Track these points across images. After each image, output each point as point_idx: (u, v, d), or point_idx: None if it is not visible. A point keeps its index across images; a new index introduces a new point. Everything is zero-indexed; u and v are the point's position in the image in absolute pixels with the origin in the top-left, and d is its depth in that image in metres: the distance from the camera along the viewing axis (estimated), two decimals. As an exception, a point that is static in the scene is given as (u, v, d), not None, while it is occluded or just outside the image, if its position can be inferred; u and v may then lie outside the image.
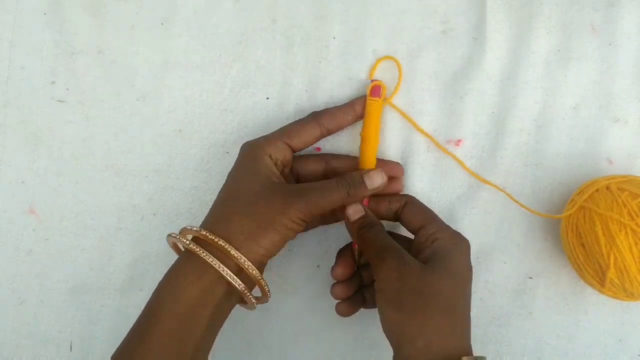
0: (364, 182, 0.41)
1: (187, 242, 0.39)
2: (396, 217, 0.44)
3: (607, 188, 0.42)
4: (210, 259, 0.38)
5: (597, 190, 0.42)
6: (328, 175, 0.45)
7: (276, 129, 0.44)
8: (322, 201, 0.40)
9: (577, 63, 0.47)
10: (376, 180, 0.42)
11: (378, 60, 0.47)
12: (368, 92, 0.45)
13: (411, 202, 0.44)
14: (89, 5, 0.48)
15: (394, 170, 0.46)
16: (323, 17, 0.48)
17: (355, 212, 0.42)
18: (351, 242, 0.45)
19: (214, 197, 0.48)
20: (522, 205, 0.46)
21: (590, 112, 0.47)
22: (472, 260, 0.47)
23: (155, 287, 0.40)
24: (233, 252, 0.38)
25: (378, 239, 0.41)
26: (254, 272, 0.39)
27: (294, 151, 0.43)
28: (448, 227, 0.42)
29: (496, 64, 0.47)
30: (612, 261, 0.40)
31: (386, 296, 0.39)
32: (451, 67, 0.47)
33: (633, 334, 0.47)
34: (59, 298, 0.49)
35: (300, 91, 0.48)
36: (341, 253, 0.45)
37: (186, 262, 0.40)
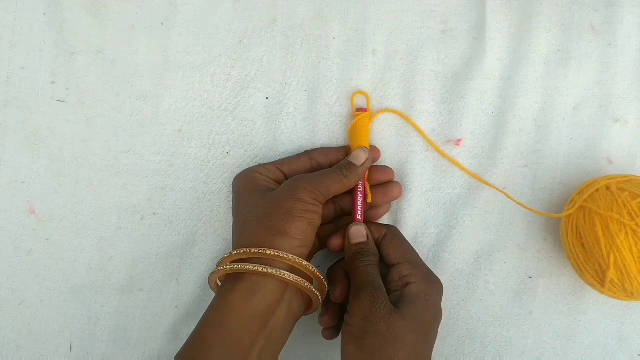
0: (351, 162, 0.43)
1: (229, 266, 0.39)
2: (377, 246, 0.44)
3: (607, 188, 0.42)
4: (258, 267, 0.38)
5: (597, 190, 0.42)
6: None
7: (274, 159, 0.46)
8: (325, 181, 0.41)
9: (577, 63, 0.47)
10: (361, 156, 0.43)
11: (353, 95, 0.47)
12: (353, 105, 0.46)
13: (392, 234, 0.44)
14: (89, 5, 0.48)
15: (384, 175, 0.46)
16: (323, 17, 0.48)
17: (357, 235, 0.43)
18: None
19: (214, 197, 0.48)
20: (522, 205, 0.46)
21: (590, 112, 0.47)
22: (472, 260, 0.47)
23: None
24: (269, 251, 0.38)
25: (365, 272, 0.41)
26: (297, 260, 0.38)
27: (285, 177, 0.44)
28: (423, 269, 0.42)
29: (496, 64, 0.47)
30: (612, 261, 0.40)
31: (351, 332, 0.39)
32: (451, 67, 0.47)
33: (633, 334, 0.47)
34: (59, 298, 0.49)
35: (300, 91, 0.48)
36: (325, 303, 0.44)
37: (234, 282, 0.39)
